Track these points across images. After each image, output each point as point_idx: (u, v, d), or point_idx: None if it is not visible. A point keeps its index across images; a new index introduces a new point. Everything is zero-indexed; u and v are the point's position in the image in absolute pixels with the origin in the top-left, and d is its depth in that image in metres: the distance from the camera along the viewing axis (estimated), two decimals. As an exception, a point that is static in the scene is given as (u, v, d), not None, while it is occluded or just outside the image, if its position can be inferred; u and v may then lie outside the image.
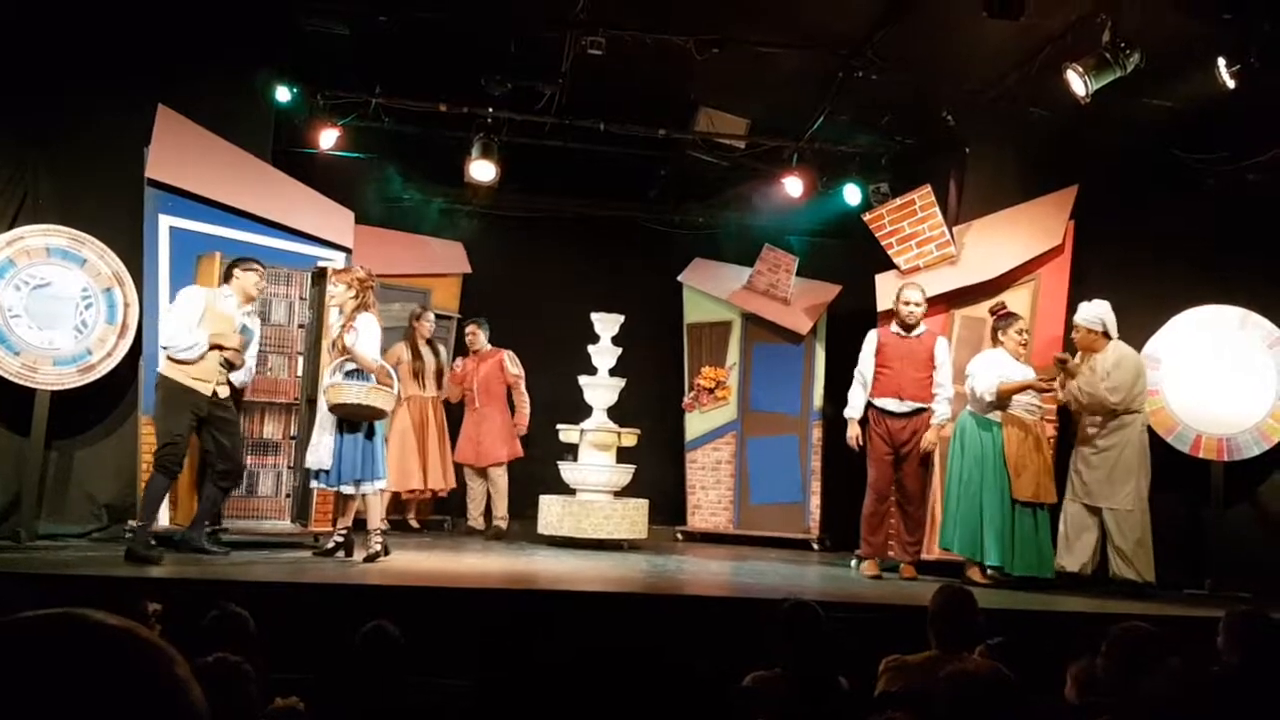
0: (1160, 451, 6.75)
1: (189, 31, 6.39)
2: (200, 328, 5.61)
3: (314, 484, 6.04)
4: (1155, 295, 6.97)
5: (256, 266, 5.90)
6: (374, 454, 5.84)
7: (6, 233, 6.05)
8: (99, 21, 6.25)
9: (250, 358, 5.95)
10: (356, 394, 5.69)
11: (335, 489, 5.96)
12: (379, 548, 5.84)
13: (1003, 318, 6.62)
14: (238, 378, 5.86)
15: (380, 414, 5.78)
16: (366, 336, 5.82)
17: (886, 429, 6.59)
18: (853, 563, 6.95)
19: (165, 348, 5.64)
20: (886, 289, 7.30)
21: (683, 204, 9.50)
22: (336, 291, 5.95)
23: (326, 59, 7.19)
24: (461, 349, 8.42)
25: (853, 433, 6.66)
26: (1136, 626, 2.83)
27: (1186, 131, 6.86)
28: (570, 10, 6.45)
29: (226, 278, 5.85)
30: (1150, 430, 6.67)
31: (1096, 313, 6.48)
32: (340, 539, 5.96)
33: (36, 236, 6.09)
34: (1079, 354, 6.54)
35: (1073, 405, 6.53)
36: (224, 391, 5.76)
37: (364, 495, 5.87)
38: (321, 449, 5.80)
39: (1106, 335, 6.46)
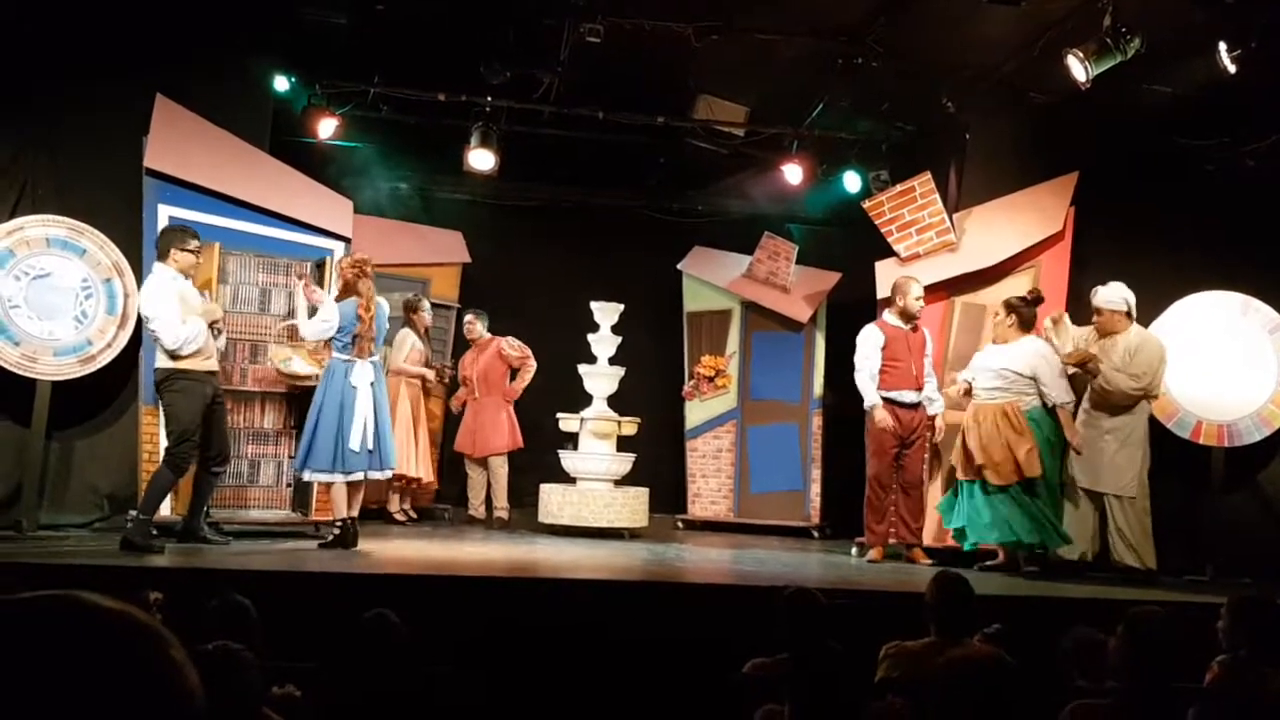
0: (1161, 437, 6.74)
1: (187, 21, 6.37)
2: (189, 316, 5.57)
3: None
4: (1156, 281, 6.96)
5: (192, 246, 5.66)
6: (325, 443, 5.83)
7: (6, 223, 6.03)
8: (97, 11, 6.22)
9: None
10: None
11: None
12: (330, 537, 5.88)
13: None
14: (222, 343, 5.89)
15: (303, 379, 5.88)
16: (318, 314, 5.90)
17: (898, 420, 6.62)
18: (853, 550, 6.97)
19: (175, 351, 5.52)
20: (887, 277, 7.29)
21: (682, 192, 9.48)
22: (338, 283, 6.02)
23: (324, 48, 7.17)
24: (461, 338, 8.40)
25: (882, 415, 6.58)
26: (1152, 611, 2.83)
27: (1187, 117, 6.84)
28: (569, -3, 6.43)
29: (164, 255, 5.64)
30: (1151, 415, 6.65)
31: (1120, 293, 6.43)
32: (339, 529, 5.95)
33: (36, 227, 6.07)
34: (1096, 338, 6.48)
35: (1094, 397, 6.46)
36: (217, 365, 5.79)
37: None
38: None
39: (1129, 316, 6.44)
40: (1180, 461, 6.89)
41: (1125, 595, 5.43)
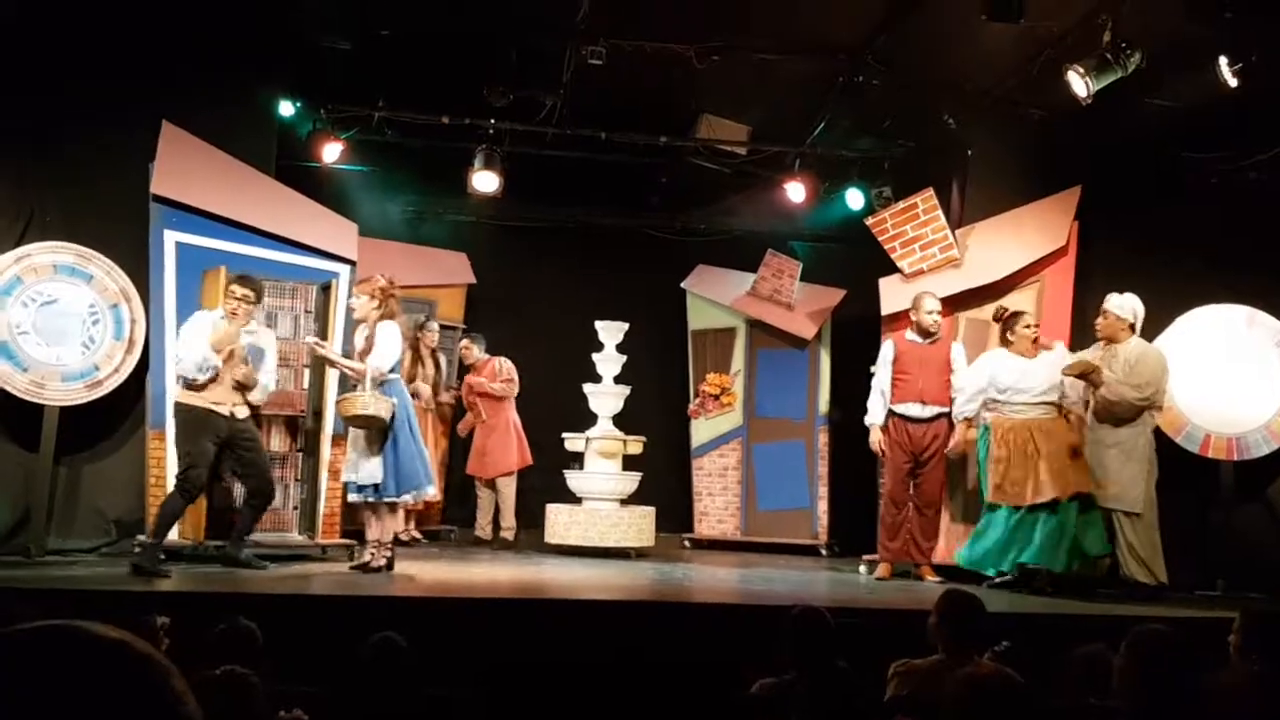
0: (1169, 451, 6.71)
1: (192, 48, 6.42)
2: (204, 347, 5.62)
3: (357, 496, 5.95)
4: (1161, 295, 6.94)
5: (235, 293, 5.72)
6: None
7: (14, 250, 6.07)
8: (103, 40, 6.28)
9: (269, 371, 5.91)
10: (361, 405, 5.70)
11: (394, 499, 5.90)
12: (385, 560, 5.87)
13: (1008, 320, 6.55)
14: (256, 396, 5.82)
15: (379, 421, 5.73)
16: (382, 347, 5.82)
17: (908, 435, 6.60)
18: (862, 568, 6.94)
19: (181, 376, 5.67)
20: (891, 293, 7.30)
21: (685, 211, 9.51)
22: (359, 303, 5.95)
23: (329, 73, 7.23)
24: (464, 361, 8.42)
25: (875, 438, 6.67)
26: (1155, 629, 2.82)
27: (1189, 131, 6.85)
28: (571, 20, 6.47)
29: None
30: (1158, 429, 6.63)
31: (1130, 304, 6.42)
32: (390, 554, 5.91)
33: (44, 254, 6.11)
34: (1100, 343, 6.47)
35: (1097, 409, 6.44)
36: (242, 412, 5.75)
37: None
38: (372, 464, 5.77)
39: (1132, 328, 6.43)
40: (1189, 476, 6.86)
41: (1135, 611, 5.40)
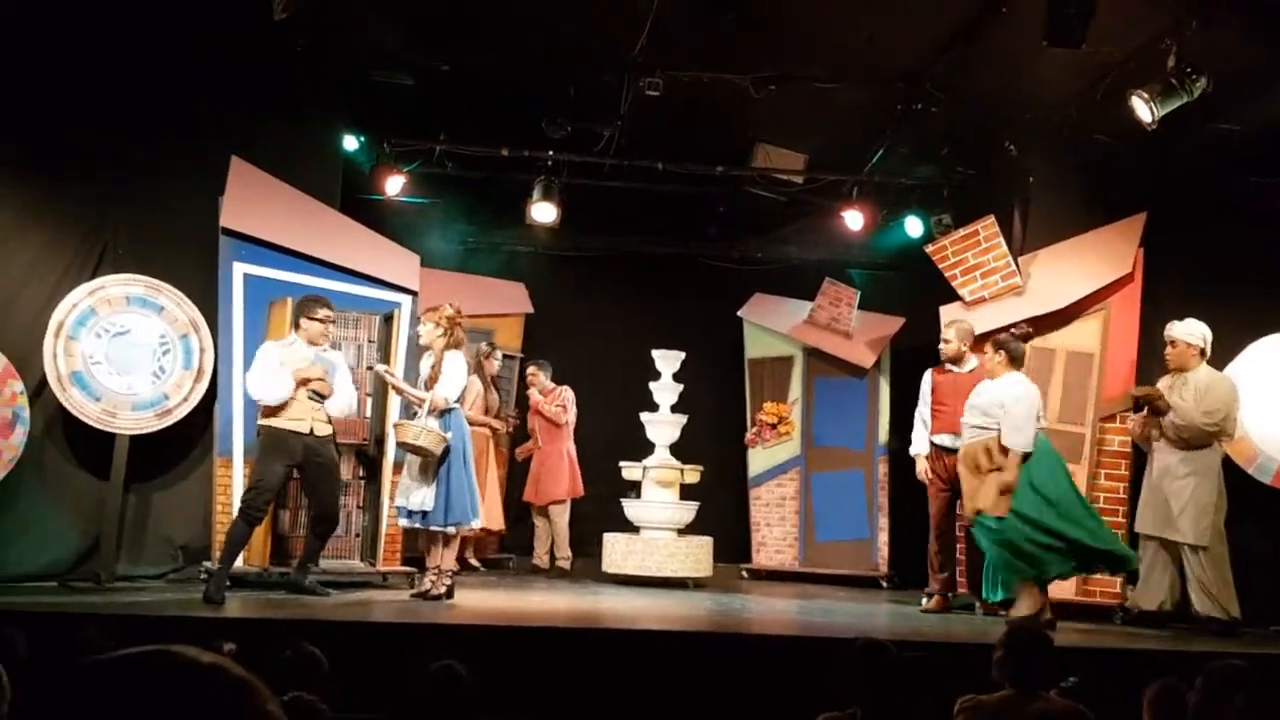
0: (1241, 482, 6.53)
1: (261, 86, 6.60)
2: (281, 371, 5.74)
3: (406, 522, 6.01)
4: (1230, 322, 6.77)
5: (320, 315, 5.88)
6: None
7: (88, 282, 6.26)
8: (175, 78, 6.48)
9: (346, 384, 5.99)
10: (413, 434, 5.78)
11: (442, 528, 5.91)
12: (444, 589, 5.89)
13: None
14: (335, 405, 5.89)
15: (428, 453, 5.79)
16: (449, 377, 5.89)
17: (944, 466, 6.57)
18: (924, 600, 6.83)
19: (257, 399, 5.77)
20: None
21: (742, 240, 9.52)
22: (425, 330, 6.02)
23: (392, 108, 7.40)
24: (524, 387, 8.48)
25: (922, 467, 6.72)
26: (1232, 665, 2.73)
27: (1257, 155, 6.71)
28: (629, 52, 6.55)
29: (295, 324, 5.95)
30: (1229, 460, 6.45)
31: (1200, 330, 6.32)
32: (450, 582, 5.94)
33: (117, 286, 6.29)
34: (1170, 374, 6.33)
35: (1157, 438, 6.29)
36: (323, 429, 5.83)
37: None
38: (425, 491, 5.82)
39: (1202, 354, 6.30)
40: (1262, 508, 6.65)
41: (1207, 647, 5.24)
